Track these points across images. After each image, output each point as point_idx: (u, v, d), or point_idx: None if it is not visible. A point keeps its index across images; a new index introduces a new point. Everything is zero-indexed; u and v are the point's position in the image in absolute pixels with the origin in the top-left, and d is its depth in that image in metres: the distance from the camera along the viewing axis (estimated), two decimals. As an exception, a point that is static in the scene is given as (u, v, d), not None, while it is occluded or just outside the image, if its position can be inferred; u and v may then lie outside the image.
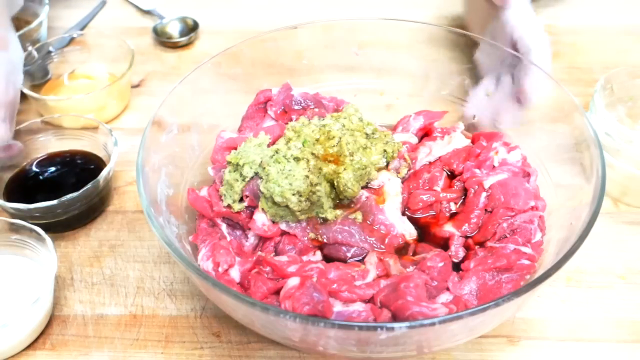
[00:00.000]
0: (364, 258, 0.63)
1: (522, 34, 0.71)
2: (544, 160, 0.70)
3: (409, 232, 0.66)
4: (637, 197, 0.76)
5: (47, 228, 0.69)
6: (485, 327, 0.57)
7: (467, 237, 0.65)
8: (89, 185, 0.72)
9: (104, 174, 0.74)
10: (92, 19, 1.06)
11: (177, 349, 0.64)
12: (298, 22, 0.78)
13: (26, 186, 0.77)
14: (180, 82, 0.69)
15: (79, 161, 0.80)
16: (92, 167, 0.79)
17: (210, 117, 0.73)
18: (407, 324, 0.49)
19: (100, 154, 0.80)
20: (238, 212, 0.64)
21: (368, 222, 0.64)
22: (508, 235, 0.63)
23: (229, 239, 0.64)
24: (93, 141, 0.80)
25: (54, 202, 0.70)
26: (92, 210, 0.76)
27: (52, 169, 0.79)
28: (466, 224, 0.65)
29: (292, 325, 0.51)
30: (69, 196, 0.71)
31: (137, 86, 0.96)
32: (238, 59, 0.75)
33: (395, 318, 0.56)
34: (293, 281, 0.58)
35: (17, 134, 0.78)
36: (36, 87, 0.92)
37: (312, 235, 0.64)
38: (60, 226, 0.75)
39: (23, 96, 0.90)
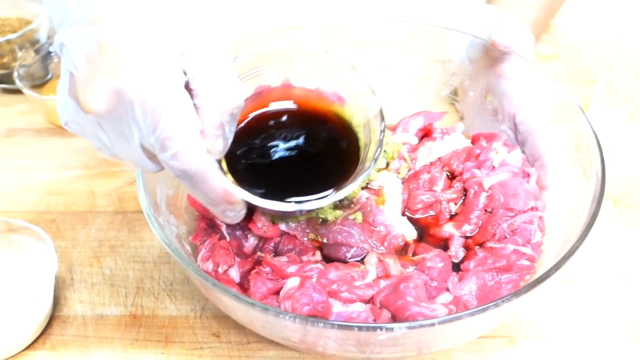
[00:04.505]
0: (363, 258, 0.63)
1: (525, 117, 0.70)
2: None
3: (409, 232, 0.66)
4: (637, 198, 0.76)
5: None
6: (485, 328, 0.57)
7: (466, 238, 0.65)
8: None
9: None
10: (92, 19, 1.06)
11: (176, 349, 0.64)
12: (298, 22, 0.78)
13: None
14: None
15: None
16: None
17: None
18: (406, 324, 0.49)
19: None
20: (238, 213, 0.64)
21: (368, 222, 0.64)
22: (508, 236, 0.63)
23: (228, 239, 0.64)
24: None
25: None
26: None
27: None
28: (466, 225, 0.65)
29: (291, 325, 0.51)
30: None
31: (137, 86, 0.96)
32: (238, 59, 0.75)
33: (394, 319, 0.56)
34: (293, 281, 0.58)
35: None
36: (36, 87, 0.92)
37: (312, 235, 0.64)
38: None
39: (23, 96, 0.91)
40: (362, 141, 0.60)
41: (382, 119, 0.57)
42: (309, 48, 0.60)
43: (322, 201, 0.55)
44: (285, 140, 0.60)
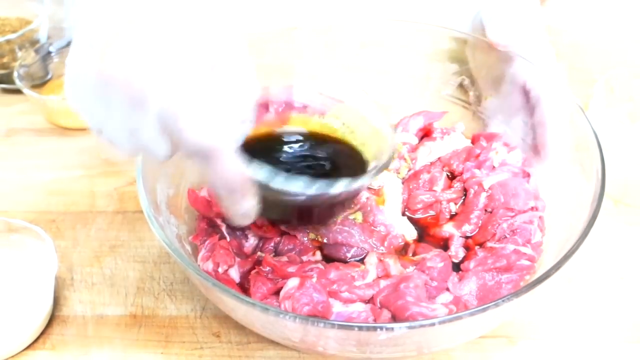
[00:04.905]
0: (363, 258, 0.63)
1: (534, 83, 0.69)
2: (543, 161, 0.70)
3: (409, 232, 0.66)
4: (637, 198, 0.76)
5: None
6: (485, 328, 0.57)
7: (467, 238, 0.65)
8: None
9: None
10: (92, 19, 1.06)
11: (177, 349, 0.64)
12: (298, 22, 0.78)
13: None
14: (181, 82, 0.69)
15: None
16: None
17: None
18: (406, 324, 0.49)
19: None
20: (238, 213, 0.64)
21: (368, 222, 0.65)
22: (508, 236, 0.63)
23: (228, 239, 0.64)
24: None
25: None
26: None
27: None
28: (466, 224, 0.65)
29: (291, 325, 0.51)
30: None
31: (137, 86, 0.96)
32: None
33: (395, 318, 0.56)
34: (293, 281, 0.58)
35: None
36: (36, 87, 0.92)
37: (312, 235, 0.64)
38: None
39: (23, 96, 0.91)
40: (366, 155, 0.62)
41: (393, 136, 0.58)
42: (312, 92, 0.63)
43: (355, 182, 0.54)
44: (291, 161, 0.61)
